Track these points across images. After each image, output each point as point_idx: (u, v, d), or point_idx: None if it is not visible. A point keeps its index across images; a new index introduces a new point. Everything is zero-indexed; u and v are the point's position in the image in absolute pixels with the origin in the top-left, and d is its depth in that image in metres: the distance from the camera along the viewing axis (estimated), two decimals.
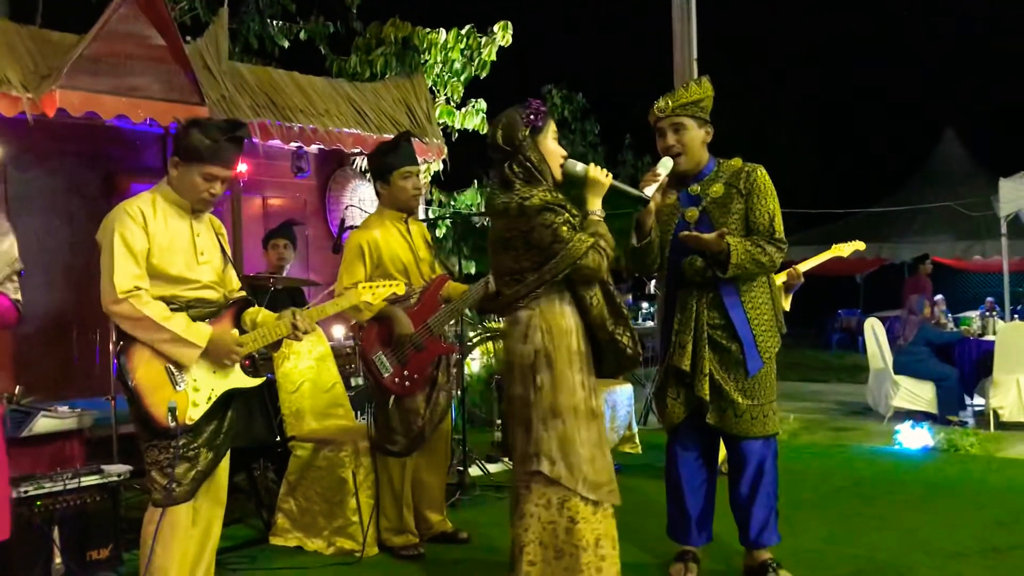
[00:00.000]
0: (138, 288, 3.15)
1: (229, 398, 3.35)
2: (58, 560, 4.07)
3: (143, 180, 6.57)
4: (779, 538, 3.92)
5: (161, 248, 3.23)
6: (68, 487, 4.14)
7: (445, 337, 4.65)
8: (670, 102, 3.82)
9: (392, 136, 7.34)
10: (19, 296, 3.12)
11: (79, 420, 4.85)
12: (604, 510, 3.20)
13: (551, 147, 3.23)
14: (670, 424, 3.94)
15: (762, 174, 3.83)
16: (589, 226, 3.17)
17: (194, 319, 3.26)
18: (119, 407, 5.06)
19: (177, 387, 3.20)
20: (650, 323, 13.39)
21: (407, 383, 4.34)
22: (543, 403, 3.12)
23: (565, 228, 3.10)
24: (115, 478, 4.30)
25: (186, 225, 3.33)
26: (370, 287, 3.74)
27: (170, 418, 3.12)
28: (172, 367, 3.21)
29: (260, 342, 3.36)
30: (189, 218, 3.35)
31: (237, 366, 3.37)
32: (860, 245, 5.44)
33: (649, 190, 3.57)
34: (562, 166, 3.25)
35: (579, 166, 3.27)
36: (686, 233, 3.73)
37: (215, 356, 3.25)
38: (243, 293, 3.53)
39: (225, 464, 3.44)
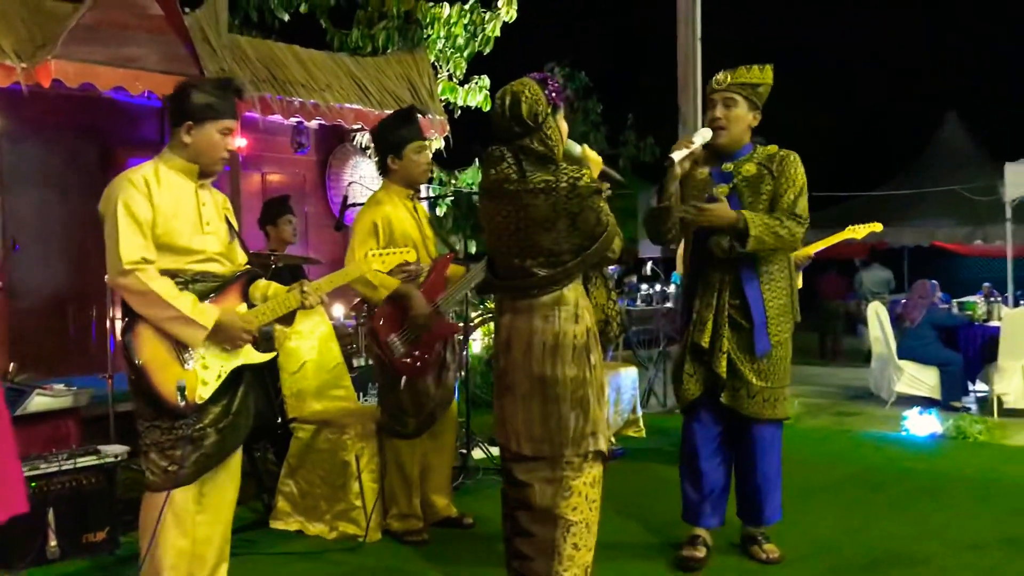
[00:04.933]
0: (145, 260, 3.04)
1: (238, 375, 3.24)
2: (53, 542, 4.00)
3: (141, 154, 6.42)
4: (781, 515, 4.03)
5: (166, 217, 3.11)
6: (64, 468, 4.06)
7: (453, 317, 4.54)
8: (729, 77, 3.89)
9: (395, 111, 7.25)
10: None
11: (75, 398, 4.74)
12: None
13: (563, 126, 3.21)
14: (684, 401, 3.98)
15: (795, 159, 3.90)
16: None
17: (200, 293, 3.14)
18: (117, 385, 4.96)
19: (185, 365, 3.08)
20: (643, 305, 13.37)
21: (418, 363, 4.24)
22: (596, 381, 3.13)
23: (605, 213, 3.10)
24: (112, 459, 4.22)
25: (191, 194, 3.21)
26: (380, 255, 3.65)
27: (179, 397, 3.02)
28: (179, 345, 3.10)
29: (269, 315, 3.26)
30: (195, 186, 3.23)
31: None
32: (877, 227, 5.32)
33: (677, 154, 3.66)
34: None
35: (576, 147, 3.24)
36: (694, 204, 3.76)
37: (221, 339, 3.13)
38: (250, 267, 3.42)
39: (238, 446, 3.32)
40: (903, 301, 9.11)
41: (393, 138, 4.38)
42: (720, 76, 3.90)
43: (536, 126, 3.09)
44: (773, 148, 3.94)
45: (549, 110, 3.11)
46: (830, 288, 13.07)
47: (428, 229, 4.48)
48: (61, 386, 4.80)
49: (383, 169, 4.46)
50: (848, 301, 13.61)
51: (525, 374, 3.13)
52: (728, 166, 3.90)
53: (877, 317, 8.44)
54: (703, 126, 3.94)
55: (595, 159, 3.22)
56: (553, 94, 3.13)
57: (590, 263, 3.13)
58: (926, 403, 7.57)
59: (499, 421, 3.28)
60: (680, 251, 4.74)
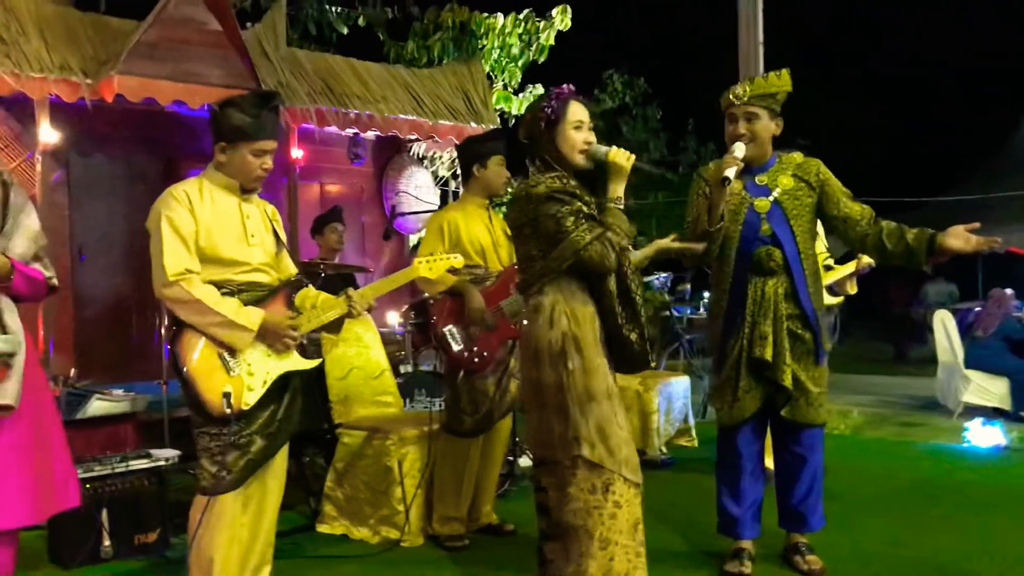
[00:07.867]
0: (189, 271, 3.11)
1: (285, 381, 3.28)
2: (107, 543, 4.12)
3: (202, 165, 6.53)
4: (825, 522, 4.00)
5: (209, 230, 3.18)
6: (116, 470, 4.19)
7: (518, 322, 4.59)
8: (748, 90, 3.79)
9: (449, 123, 7.33)
10: (51, 273, 3.08)
11: (132, 403, 4.91)
12: (639, 494, 3.17)
13: (570, 136, 3.15)
14: (740, 418, 3.86)
15: (823, 165, 3.90)
16: (607, 215, 3.11)
17: (246, 303, 3.19)
18: (171, 391, 5.10)
19: (231, 372, 3.14)
20: (704, 313, 13.22)
21: (476, 359, 4.31)
22: (577, 387, 3.08)
23: (570, 218, 3.04)
24: (163, 462, 4.34)
25: (235, 207, 3.28)
26: (427, 261, 3.71)
27: (225, 404, 3.07)
28: (225, 352, 3.15)
29: (315, 322, 3.30)
30: (238, 200, 3.30)
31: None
32: None
33: (730, 172, 3.61)
34: (587, 151, 3.17)
35: (601, 149, 3.19)
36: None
37: (269, 340, 3.19)
38: (297, 276, 3.48)
39: (283, 450, 3.37)
40: (976, 310, 8.85)
41: (481, 148, 4.57)
42: (739, 90, 3.80)
43: (531, 143, 3.20)
44: (799, 156, 3.91)
45: (543, 126, 3.14)
46: (897, 296, 13.38)
47: (503, 239, 4.55)
48: (120, 391, 4.97)
49: (466, 178, 4.65)
50: (915, 309, 13.35)
51: (524, 379, 3.27)
52: (762, 178, 3.85)
53: (943, 326, 8.23)
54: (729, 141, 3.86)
55: (617, 159, 3.14)
56: (546, 108, 3.14)
57: (554, 268, 3.08)
58: (995, 414, 7.35)
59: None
60: None
